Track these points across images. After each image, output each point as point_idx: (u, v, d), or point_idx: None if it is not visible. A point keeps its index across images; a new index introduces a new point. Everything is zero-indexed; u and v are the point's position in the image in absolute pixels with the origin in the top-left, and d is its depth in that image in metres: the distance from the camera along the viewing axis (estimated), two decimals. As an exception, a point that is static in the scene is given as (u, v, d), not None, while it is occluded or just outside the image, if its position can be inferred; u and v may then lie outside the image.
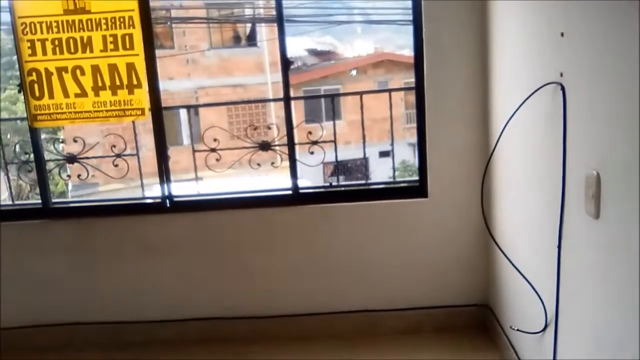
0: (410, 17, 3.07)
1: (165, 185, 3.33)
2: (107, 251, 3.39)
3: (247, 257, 3.33)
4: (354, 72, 18.70)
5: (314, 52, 19.93)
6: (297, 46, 19.09)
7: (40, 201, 3.41)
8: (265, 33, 16.66)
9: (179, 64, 16.31)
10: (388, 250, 3.24)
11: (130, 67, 3.17)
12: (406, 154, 17.07)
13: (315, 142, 3.32)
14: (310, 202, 3.26)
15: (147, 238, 3.37)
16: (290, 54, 3.23)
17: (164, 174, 3.32)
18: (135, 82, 3.19)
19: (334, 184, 3.42)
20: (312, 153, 3.32)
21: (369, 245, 3.25)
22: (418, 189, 3.20)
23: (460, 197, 3.11)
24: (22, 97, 3.28)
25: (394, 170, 3.56)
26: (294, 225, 3.27)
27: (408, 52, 21.70)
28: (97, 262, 3.41)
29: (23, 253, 3.43)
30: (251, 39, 16.90)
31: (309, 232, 3.27)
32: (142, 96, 3.21)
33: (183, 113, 13.89)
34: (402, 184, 3.34)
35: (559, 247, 2.02)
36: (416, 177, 3.23)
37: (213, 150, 3.35)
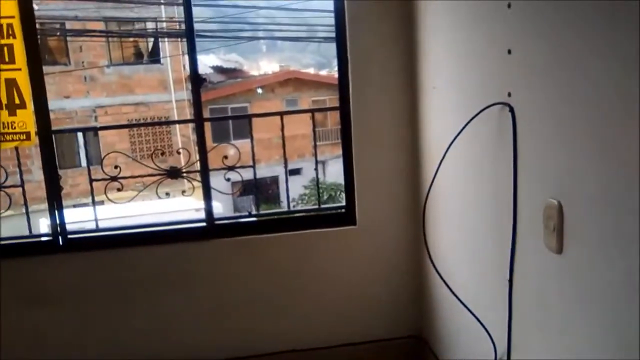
0: (322, 34, 2.87)
1: (58, 220, 2.86)
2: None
3: (157, 300, 2.93)
4: (259, 90, 18.52)
5: (220, 70, 19.59)
6: (203, 63, 18.62)
7: None
8: (169, 49, 16.06)
9: (75, 81, 15.33)
10: (316, 283, 2.97)
11: (12, 83, 2.71)
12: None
13: (232, 168, 3.01)
14: (228, 235, 2.93)
15: (35, 284, 2.88)
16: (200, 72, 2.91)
17: (55, 207, 2.86)
18: (17, 102, 2.73)
19: (253, 212, 3.11)
20: (228, 180, 3.00)
21: (295, 278, 2.96)
22: (345, 216, 2.97)
23: (391, 223, 2.92)
24: None
25: (318, 181, 3.31)
26: (210, 261, 2.92)
27: (313, 71, 21.98)
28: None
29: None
30: (154, 55, 16.22)
31: (228, 268, 2.93)
32: (26, 118, 2.75)
33: (80, 135, 12.98)
34: (329, 211, 3.10)
35: (511, 281, 1.85)
36: (343, 204, 3.00)
37: (114, 179, 2.94)
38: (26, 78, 2.72)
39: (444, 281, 2.32)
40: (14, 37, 2.68)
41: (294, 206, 16.01)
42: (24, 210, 2.97)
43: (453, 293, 2.28)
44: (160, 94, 16.03)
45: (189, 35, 2.85)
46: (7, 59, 2.68)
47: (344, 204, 2.99)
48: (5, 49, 2.68)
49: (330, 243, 2.96)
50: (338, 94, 2.90)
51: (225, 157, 2.96)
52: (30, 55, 2.71)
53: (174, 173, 2.98)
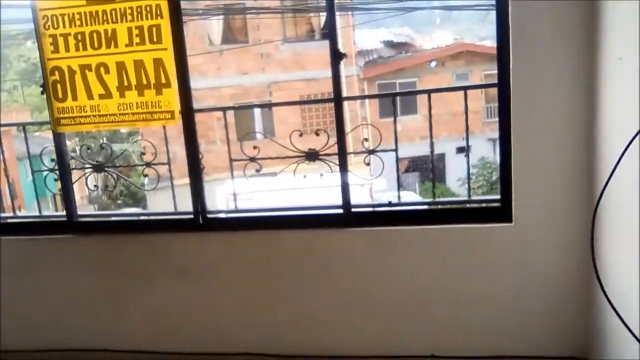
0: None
1: (199, 199, 2.88)
2: (135, 272, 3.01)
3: (287, 287, 2.83)
4: (433, 64, 17.82)
5: (390, 44, 19.27)
6: (373, 38, 18.45)
7: (64, 214, 3.07)
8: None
9: (253, 59, 16.16)
10: (460, 286, 2.63)
11: (158, 63, 2.74)
12: (485, 150, 16.09)
13: (372, 151, 2.75)
14: (365, 224, 2.71)
15: (178, 259, 2.95)
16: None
17: (196, 186, 2.87)
18: (163, 81, 2.76)
19: (394, 201, 2.82)
20: (367, 164, 2.75)
21: (437, 280, 2.65)
22: (500, 212, 2.56)
23: (554, 225, 2.45)
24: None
25: (469, 170, 2.91)
26: (344, 252, 2.73)
27: (490, 43, 20.61)
28: (124, 284, 3.03)
29: (47, 270, 3.11)
30: (326, 32, 16.42)
31: (363, 261, 2.72)
32: (171, 97, 2.77)
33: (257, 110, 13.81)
34: (481, 204, 2.71)
35: None
36: (497, 196, 2.59)
37: (252, 159, 2.87)
38: (171, 57, 2.73)
39: (612, 306, 1.84)
40: (161, 17, 2.69)
41: (459, 185, 15.40)
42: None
43: (623, 322, 1.80)
44: (329, 70, 16.22)
45: (329, 7, 2.64)
46: (154, 39, 2.72)
47: (498, 196, 2.58)
48: (154, 29, 2.71)
49: (481, 242, 2.59)
50: (497, 68, 2.48)
51: (365, 139, 2.70)
52: (175, 35, 2.71)
53: (312, 155, 2.81)
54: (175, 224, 2.98)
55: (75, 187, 3.12)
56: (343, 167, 2.71)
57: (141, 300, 3.03)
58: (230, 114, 12.87)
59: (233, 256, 2.89)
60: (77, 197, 3.10)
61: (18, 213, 3.43)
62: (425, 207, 2.81)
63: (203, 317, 2.97)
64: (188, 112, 2.80)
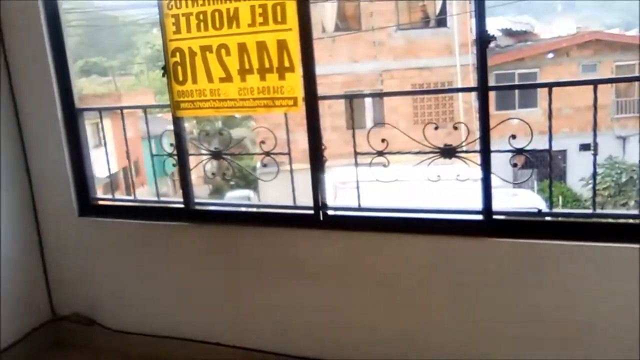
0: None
1: (320, 194, 2.64)
2: (248, 265, 2.85)
3: (408, 297, 2.53)
4: (550, 55, 16.54)
5: (509, 33, 18.20)
6: (490, 26, 17.43)
7: (182, 201, 2.97)
8: (457, 11, 15.38)
9: (365, 46, 15.86)
10: (627, 316, 2.17)
11: (282, 45, 2.51)
12: (613, 149, 14.66)
13: (520, 150, 2.35)
14: (510, 235, 2.32)
15: (293, 256, 2.75)
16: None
17: (317, 180, 2.64)
18: (287, 65, 2.53)
19: (544, 210, 2.40)
20: (514, 165, 2.36)
21: (599, 307, 2.21)
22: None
23: None
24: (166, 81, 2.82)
25: (595, 170, 2.47)
26: (482, 264, 2.37)
27: (618, 31, 18.74)
28: (236, 277, 2.89)
29: (163, 256, 3.05)
30: (441, 20, 15.74)
31: (505, 278, 2.34)
32: (294, 82, 2.54)
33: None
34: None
35: None
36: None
37: (380, 153, 2.57)
38: (296, 39, 2.49)
39: None
40: (287, -6, 2.46)
41: (582, 186, 14.15)
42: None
43: None
44: (444, 58, 15.56)
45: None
46: (278, 19, 2.49)
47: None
48: (278, 7, 2.48)
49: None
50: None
51: (513, 136, 2.31)
52: (301, 15, 2.47)
53: (448, 152, 2.46)
54: (294, 218, 2.76)
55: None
56: (485, 166, 2.34)
57: (253, 296, 2.87)
58: (340, 102, 12.83)
59: (352, 258, 2.64)
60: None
61: (137, 196, 3.40)
62: (586, 219, 2.35)
63: (315, 319, 2.76)
64: (312, 100, 2.56)
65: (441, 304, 2.49)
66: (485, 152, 2.32)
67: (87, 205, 3.21)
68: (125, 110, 3.44)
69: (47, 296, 3.36)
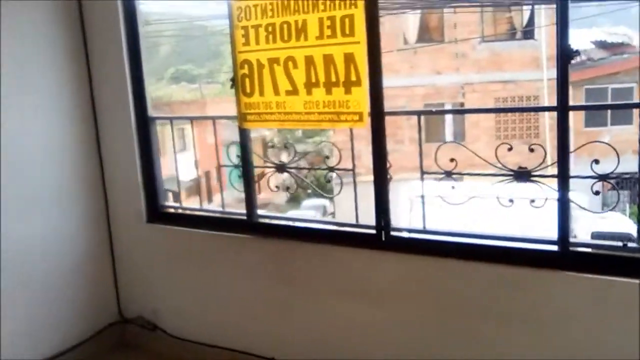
0: None
1: (383, 214, 2.54)
2: (307, 282, 2.80)
3: (472, 327, 2.37)
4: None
5: (602, 45, 17.10)
6: (582, 39, 16.54)
7: (245, 213, 2.96)
8: (545, 21, 14.72)
9: (447, 58, 15.52)
10: None
11: (349, 58, 2.44)
12: None
13: (604, 177, 2.14)
14: (589, 269, 2.11)
15: (352, 276, 2.66)
16: (573, 46, 2.11)
17: (381, 200, 2.54)
18: (353, 79, 2.45)
19: (629, 243, 2.16)
20: (596, 193, 2.14)
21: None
22: None
23: None
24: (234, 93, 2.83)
25: None
26: (555, 300, 2.17)
27: None
28: (294, 293, 2.84)
29: (224, 267, 3.06)
30: (528, 31, 15.13)
31: (587, 319, 2.12)
32: (360, 97, 2.46)
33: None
34: None
35: None
36: None
37: (448, 174, 2.43)
38: (363, 52, 2.41)
39: None
40: (355, 7, 2.39)
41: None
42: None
43: None
44: (530, 72, 14.92)
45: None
46: (347, 31, 2.42)
47: None
48: (347, 20, 2.42)
49: None
50: None
51: (596, 161, 2.10)
52: (370, 27, 2.38)
53: (521, 175, 2.28)
54: (356, 237, 2.67)
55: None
56: (563, 192, 2.15)
57: (310, 314, 2.81)
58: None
59: (412, 283, 2.51)
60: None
61: (216, 202, 3.45)
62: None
63: (371, 342, 2.65)
64: (378, 115, 2.46)
65: (508, 338, 2.31)
66: (564, 177, 2.13)
67: (156, 213, 3.28)
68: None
69: (116, 298, 3.46)
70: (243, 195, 2.95)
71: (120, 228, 3.38)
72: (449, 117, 14.82)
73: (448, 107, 14.40)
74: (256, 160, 3.00)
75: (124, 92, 3.16)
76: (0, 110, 2.84)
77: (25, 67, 2.96)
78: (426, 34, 15.48)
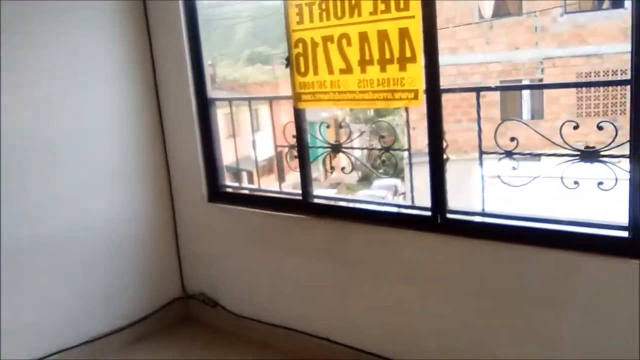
0: None
1: (439, 195, 2.45)
2: (361, 264, 2.76)
3: (532, 317, 2.25)
4: None
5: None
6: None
7: (301, 193, 2.95)
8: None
9: (525, 32, 14.76)
10: None
11: (404, 34, 2.34)
12: None
13: (684, 156, 1.94)
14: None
15: (407, 259, 2.59)
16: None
17: (437, 180, 2.44)
18: (408, 55, 2.35)
19: None
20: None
21: None
22: None
23: None
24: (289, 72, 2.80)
25: None
26: (625, 292, 2.01)
27: None
28: (348, 275, 2.82)
29: (279, 246, 3.08)
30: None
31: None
32: (415, 74, 2.36)
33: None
34: None
35: None
36: None
37: (509, 154, 2.30)
38: (418, 27, 2.31)
39: None
40: (410, -21, 2.28)
41: None
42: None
43: None
44: (618, 44, 13.92)
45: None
46: (401, 6, 2.32)
47: None
48: (401, -7, 2.32)
49: None
50: None
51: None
52: (425, 1, 2.27)
53: (588, 154, 2.11)
54: (411, 219, 2.59)
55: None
56: (636, 173, 1.97)
57: (364, 296, 2.78)
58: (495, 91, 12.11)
59: (469, 267, 2.40)
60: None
61: (287, 180, 3.47)
62: None
63: (423, 326, 2.60)
64: (434, 93, 2.36)
65: (570, 327, 2.17)
66: (637, 157, 1.96)
67: (216, 192, 3.34)
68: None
69: (179, 275, 3.57)
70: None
71: (182, 207, 3.47)
72: (526, 94, 14.14)
73: (526, 83, 13.75)
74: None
75: (184, 74, 3.21)
76: (72, 96, 3.00)
77: (91, 53, 3.08)
78: (503, 8, 14.78)
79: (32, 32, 2.83)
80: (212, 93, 3.28)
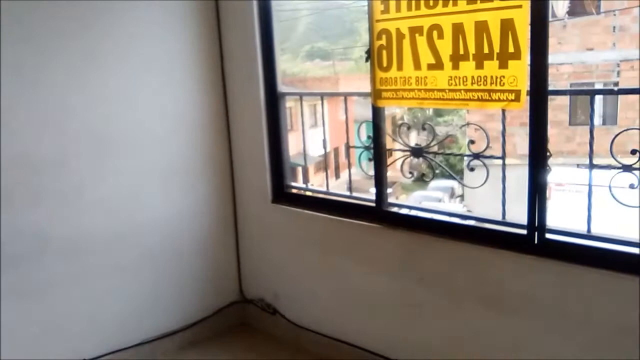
0: None
1: (537, 211, 2.14)
2: (438, 282, 2.49)
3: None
4: None
5: None
6: None
7: (374, 199, 2.70)
8: None
9: (602, 32, 13.93)
10: None
11: (507, 25, 2.04)
12: None
13: None
14: None
15: (494, 281, 2.29)
16: None
17: (536, 195, 2.13)
18: (511, 50, 2.05)
19: None
20: None
21: None
22: None
23: None
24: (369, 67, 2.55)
25: None
26: None
27: None
28: (422, 294, 2.55)
29: (347, 255, 2.84)
30: None
31: None
32: (518, 72, 2.05)
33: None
34: None
35: None
36: None
37: (627, 168, 1.96)
38: (526, 19, 2.00)
39: None
40: (519, -37, 1.98)
41: None
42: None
43: None
44: None
45: None
46: (506, -7, 2.03)
47: None
48: (507, -22, 2.02)
49: None
50: None
51: None
52: (535, -13, 1.97)
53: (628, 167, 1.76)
54: (500, 237, 2.29)
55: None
56: None
57: (439, 319, 2.50)
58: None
59: (570, 296, 2.09)
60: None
61: (342, 178, 3.23)
62: None
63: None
64: (539, 95, 2.05)
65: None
66: None
67: (281, 193, 3.14)
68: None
69: (237, 278, 3.40)
70: (370, 174, 2.69)
71: (245, 207, 3.29)
72: (598, 98, 13.37)
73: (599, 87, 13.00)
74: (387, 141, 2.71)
75: (254, 67, 3.02)
76: (141, 94, 2.91)
77: (161, 49, 2.95)
78: (579, 6, 13.99)
79: (104, 33, 2.75)
80: (281, 87, 3.07)
